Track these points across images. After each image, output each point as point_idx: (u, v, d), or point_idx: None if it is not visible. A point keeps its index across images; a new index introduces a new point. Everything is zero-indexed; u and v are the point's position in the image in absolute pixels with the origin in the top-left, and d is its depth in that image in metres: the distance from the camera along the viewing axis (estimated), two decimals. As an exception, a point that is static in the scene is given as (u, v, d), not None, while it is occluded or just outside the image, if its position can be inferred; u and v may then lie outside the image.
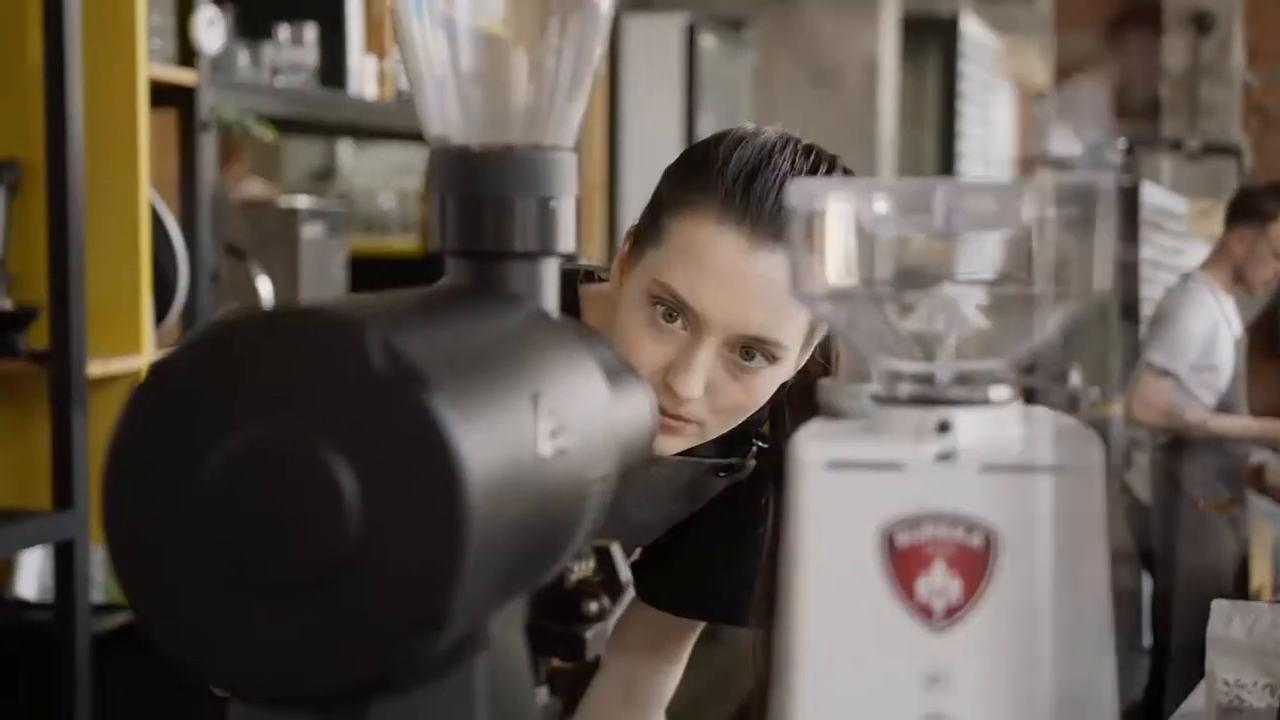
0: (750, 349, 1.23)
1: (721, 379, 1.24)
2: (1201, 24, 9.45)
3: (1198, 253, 8.41)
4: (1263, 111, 9.95)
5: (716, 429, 1.27)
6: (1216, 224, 8.59)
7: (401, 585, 0.60)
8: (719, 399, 1.25)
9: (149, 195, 2.55)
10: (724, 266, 1.21)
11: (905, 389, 0.69)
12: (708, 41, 4.93)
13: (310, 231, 3.11)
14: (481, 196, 0.80)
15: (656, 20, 5.03)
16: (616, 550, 0.85)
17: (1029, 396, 0.71)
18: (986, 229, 0.69)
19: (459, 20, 0.81)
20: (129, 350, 2.53)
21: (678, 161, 1.29)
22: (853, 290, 0.71)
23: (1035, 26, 9.78)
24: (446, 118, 0.82)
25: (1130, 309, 6.96)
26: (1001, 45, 8.55)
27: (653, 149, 4.62)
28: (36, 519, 2.39)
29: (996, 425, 0.68)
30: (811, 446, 0.68)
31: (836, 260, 0.71)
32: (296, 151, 5.54)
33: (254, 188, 4.03)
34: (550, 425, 0.70)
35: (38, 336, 2.42)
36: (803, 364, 1.32)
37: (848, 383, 0.75)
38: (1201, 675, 1.87)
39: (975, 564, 0.66)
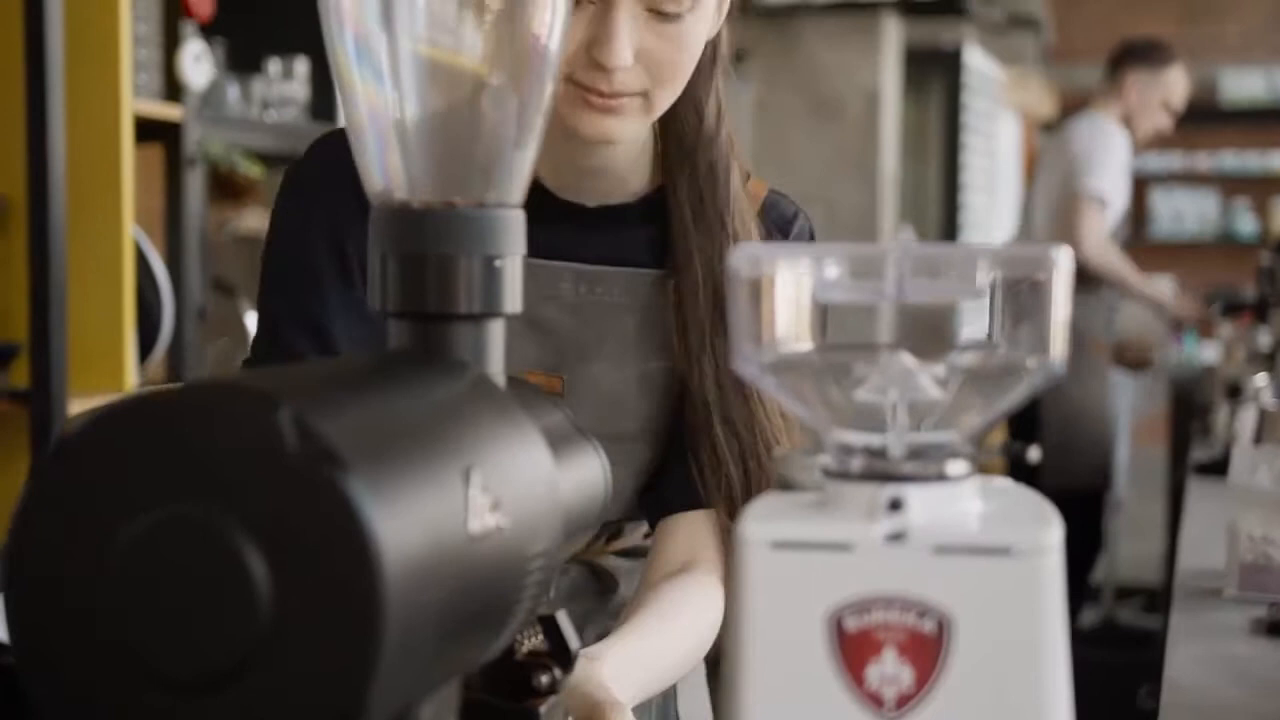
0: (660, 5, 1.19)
1: (647, 40, 1.19)
2: None
3: (1009, 121, 8.45)
4: None
5: (663, 97, 1.23)
6: (1025, 93, 8.63)
7: (315, 679, 0.57)
8: (651, 62, 1.20)
9: (133, 231, 2.52)
10: None
11: (856, 463, 0.66)
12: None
13: (301, 267, 3.08)
14: (424, 255, 0.77)
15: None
16: (563, 618, 0.81)
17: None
18: (940, 297, 0.66)
19: (401, 73, 0.78)
20: (111, 388, 2.50)
21: None
22: (801, 359, 0.68)
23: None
24: (388, 173, 0.79)
25: (951, 173, 7.12)
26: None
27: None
28: (17, 559, 2.35)
29: (952, 502, 0.65)
30: (757, 525, 0.65)
31: (784, 327, 0.68)
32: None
33: (253, 219, 4.01)
34: (485, 501, 0.67)
35: (19, 375, 2.39)
36: (724, 6, 1.28)
37: (802, 454, 0.71)
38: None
39: (928, 650, 0.63)
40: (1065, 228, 4.39)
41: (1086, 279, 4.48)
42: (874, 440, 0.67)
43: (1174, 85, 4.42)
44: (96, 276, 2.47)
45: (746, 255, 0.66)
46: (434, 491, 0.62)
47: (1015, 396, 0.67)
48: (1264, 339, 4.24)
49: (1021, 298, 0.65)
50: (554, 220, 1.32)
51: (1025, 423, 4.44)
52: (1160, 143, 9.96)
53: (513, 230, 0.79)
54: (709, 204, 1.31)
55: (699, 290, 1.29)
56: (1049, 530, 0.63)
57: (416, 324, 0.78)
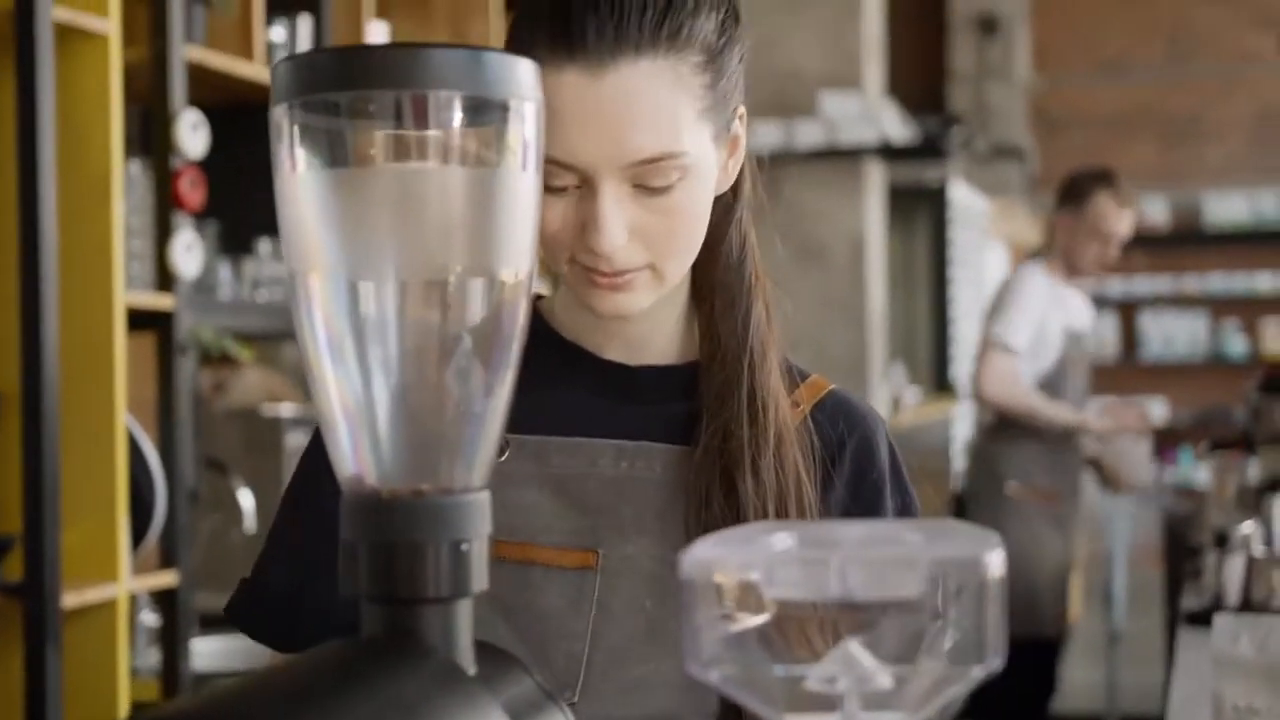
0: (653, 173, 1.14)
1: (639, 216, 1.15)
2: (987, 26, 9.57)
3: (997, 251, 8.52)
4: (1047, 114, 10.12)
5: (673, 267, 1.18)
6: (1012, 223, 8.69)
7: None
8: (648, 237, 1.16)
9: (126, 421, 2.55)
10: (574, 107, 1.11)
11: (808, 753, 0.69)
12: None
13: (295, 440, 3.12)
14: (393, 543, 0.80)
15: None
16: None
17: None
18: (883, 596, 0.69)
19: (372, 369, 0.82)
20: (105, 578, 2.52)
21: (506, 40, 1.21)
22: (748, 654, 0.70)
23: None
24: (359, 461, 0.83)
25: (940, 306, 7.16)
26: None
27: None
28: (12, 752, 2.37)
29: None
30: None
31: (735, 626, 0.70)
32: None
33: (252, 377, 4.04)
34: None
35: (12, 567, 2.42)
36: (737, 163, 1.24)
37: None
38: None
39: None
40: (974, 372, 4.54)
41: (1007, 424, 4.53)
42: (825, 730, 0.69)
43: (1101, 213, 4.49)
44: (90, 467, 2.51)
45: (696, 559, 0.70)
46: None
47: (963, 686, 0.70)
48: (1253, 472, 4.26)
49: (961, 595, 0.68)
50: (595, 382, 1.27)
51: None
52: (1148, 266, 10.12)
53: (479, 514, 0.82)
54: (734, 383, 1.24)
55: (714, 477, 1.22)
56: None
57: (386, 608, 0.81)
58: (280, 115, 0.80)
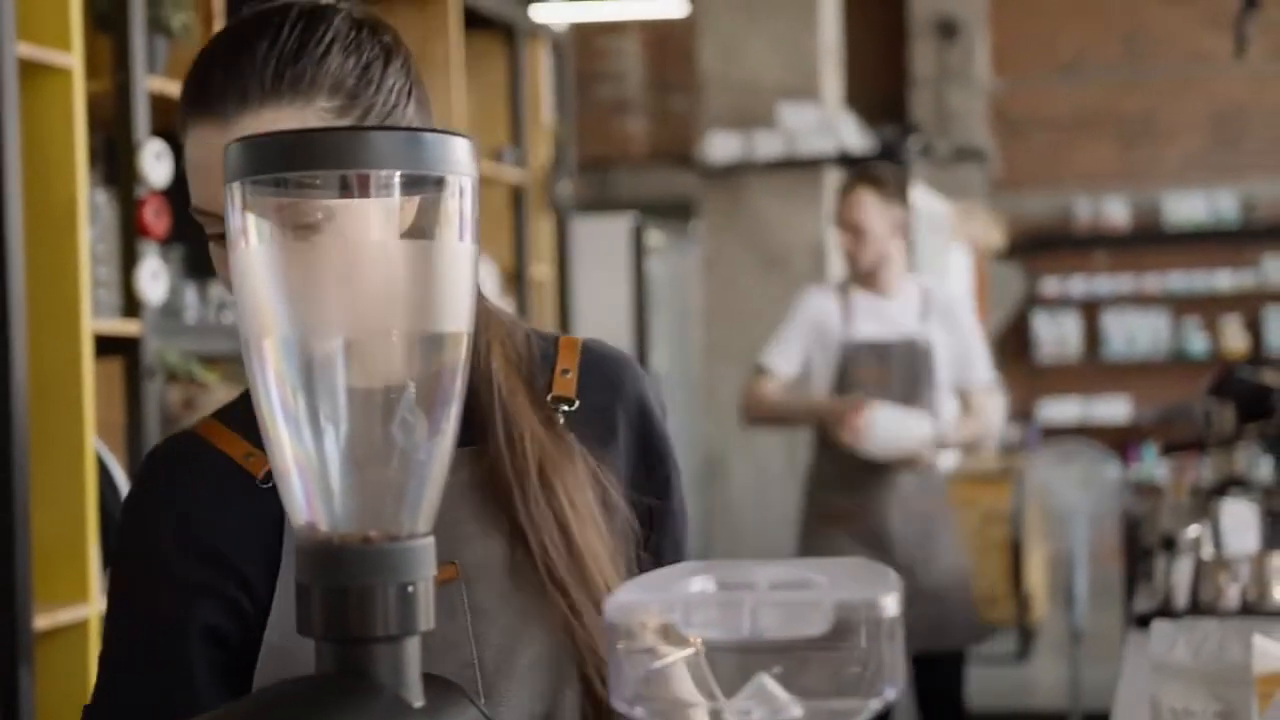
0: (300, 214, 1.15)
1: None
2: (946, 30, 9.66)
3: (959, 253, 8.58)
4: (1007, 117, 10.26)
5: None
6: (973, 225, 8.73)
7: None
8: None
9: (94, 445, 2.61)
10: (208, 158, 1.18)
11: (724, 781, 0.75)
12: (654, 238, 5.06)
13: (261, 458, 3.16)
14: (345, 588, 0.86)
15: (605, 221, 5.16)
16: None
17: None
18: (792, 635, 0.75)
19: (322, 426, 0.88)
20: (76, 600, 2.58)
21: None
22: (669, 690, 0.77)
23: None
24: (312, 510, 0.89)
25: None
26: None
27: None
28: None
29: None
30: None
31: (657, 662, 0.77)
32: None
33: (221, 395, 4.07)
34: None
35: (-16, 592, 2.46)
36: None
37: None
38: None
39: None
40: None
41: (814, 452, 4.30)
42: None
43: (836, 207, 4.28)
44: (60, 491, 2.56)
45: (618, 603, 0.76)
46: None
47: (865, 715, 0.76)
48: (1206, 473, 4.33)
49: (863, 632, 0.75)
50: None
51: None
52: (1110, 266, 10.22)
53: (425, 558, 0.88)
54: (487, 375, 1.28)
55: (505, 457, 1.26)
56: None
57: (339, 647, 0.87)
58: (233, 192, 0.86)
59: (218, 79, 1.19)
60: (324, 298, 0.88)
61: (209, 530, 1.24)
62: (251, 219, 0.87)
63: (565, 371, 1.33)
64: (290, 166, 0.86)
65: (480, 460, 1.26)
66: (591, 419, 1.31)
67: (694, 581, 0.79)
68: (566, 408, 1.30)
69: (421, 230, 0.88)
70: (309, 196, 0.85)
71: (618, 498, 1.29)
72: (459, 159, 0.88)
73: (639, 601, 0.77)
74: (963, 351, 4.31)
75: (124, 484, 2.66)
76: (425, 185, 0.87)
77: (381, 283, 0.87)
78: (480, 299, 1.29)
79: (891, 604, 0.74)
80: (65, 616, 2.55)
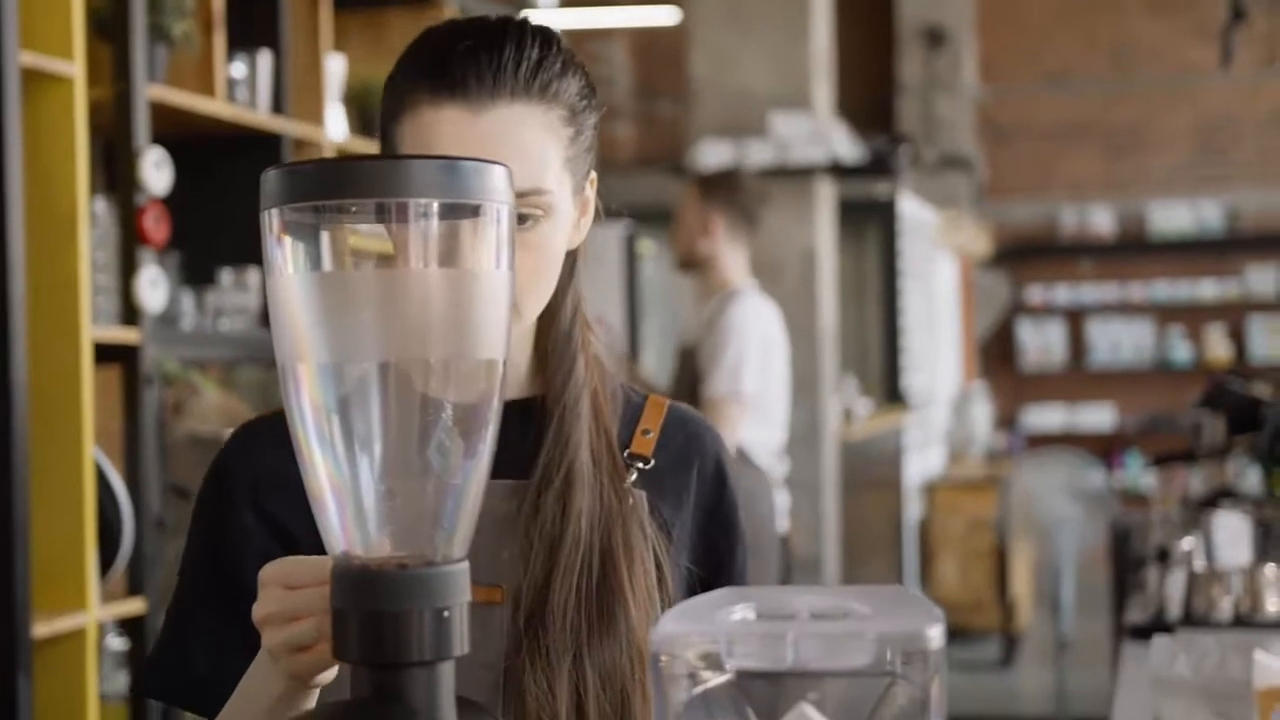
0: (521, 207, 1.19)
1: None
2: (934, 39, 9.67)
3: (946, 261, 8.58)
4: (994, 125, 10.28)
5: (530, 303, 1.24)
6: (960, 233, 8.73)
7: None
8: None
9: (93, 452, 2.60)
10: (450, 141, 1.20)
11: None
12: (646, 248, 5.06)
13: (255, 465, 3.15)
14: (380, 613, 0.87)
15: (596, 231, 5.13)
16: None
17: None
18: (834, 666, 0.76)
19: (356, 452, 0.88)
20: (75, 608, 2.57)
21: (386, 84, 1.28)
22: (712, 716, 0.78)
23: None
24: (348, 536, 0.89)
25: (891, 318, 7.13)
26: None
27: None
28: (-18, 781, 2.41)
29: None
30: None
31: (700, 688, 0.78)
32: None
33: (211, 399, 4.06)
34: None
35: (-17, 599, 2.46)
36: (587, 224, 1.31)
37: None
38: None
39: None
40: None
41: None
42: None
43: None
44: (58, 499, 2.56)
45: (663, 634, 0.77)
46: None
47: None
48: (1195, 484, 4.33)
49: (906, 664, 0.76)
50: None
51: None
52: (1095, 274, 10.24)
53: (460, 583, 0.88)
54: (569, 416, 1.29)
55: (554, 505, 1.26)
56: None
57: (375, 671, 0.87)
58: (271, 219, 0.87)
59: (472, 70, 1.20)
60: (359, 326, 0.88)
61: (272, 498, 1.26)
62: (289, 245, 0.88)
63: (646, 432, 1.34)
64: (329, 195, 0.86)
65: (530, 496, 1.26)
66: (664, 480, 1.32)
67: (735, 610, 0.80)
68: (642, 465, 1.31)
69: (458, 258, 0.88)
70: (347, 225, 0.86)
71: (666, 561, 1.29)
72: (496, 187, 0.89)
73: (682, 632, 0.77)
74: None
75: (122, 492, 2.66)
76: (463, 213, 0.88)
77: (418, 311, 0.88)
78: (590, 343, 1.32)
79: (936, 635, 0.74)
80: (64, 624, 2.54)
